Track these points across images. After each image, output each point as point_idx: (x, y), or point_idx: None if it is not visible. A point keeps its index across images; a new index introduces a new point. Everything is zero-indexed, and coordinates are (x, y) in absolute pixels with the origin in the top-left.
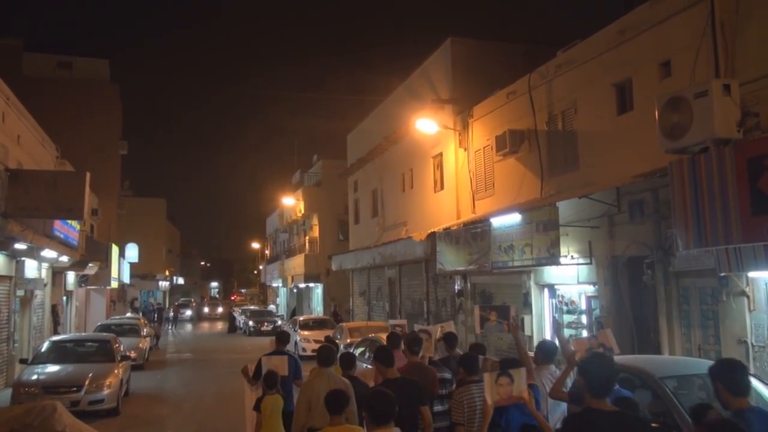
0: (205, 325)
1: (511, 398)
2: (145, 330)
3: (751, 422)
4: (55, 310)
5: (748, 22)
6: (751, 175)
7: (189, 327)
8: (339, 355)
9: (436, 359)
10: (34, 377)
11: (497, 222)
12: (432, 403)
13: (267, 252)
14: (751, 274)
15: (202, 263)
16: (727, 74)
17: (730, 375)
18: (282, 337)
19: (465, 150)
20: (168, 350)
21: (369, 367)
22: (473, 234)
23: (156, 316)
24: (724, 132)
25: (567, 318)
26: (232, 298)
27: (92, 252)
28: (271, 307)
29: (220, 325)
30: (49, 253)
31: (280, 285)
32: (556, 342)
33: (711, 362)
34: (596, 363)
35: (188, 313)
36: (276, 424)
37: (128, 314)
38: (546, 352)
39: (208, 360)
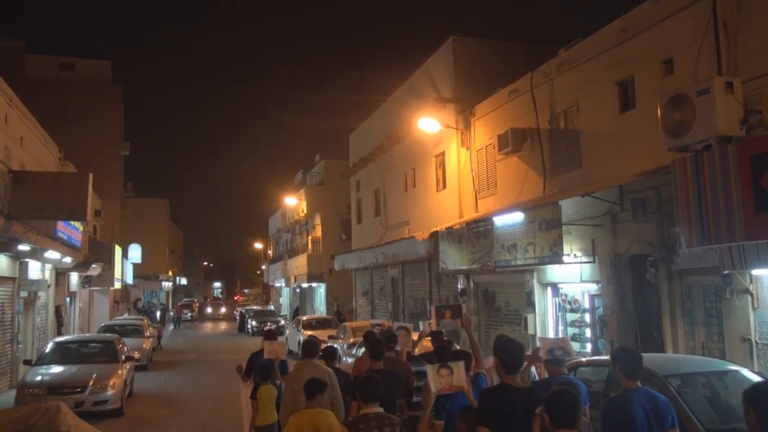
0: (209, 326)
1: (452, 387)
2: (148, 331)
3: (635, 399)
4: (58, 311)
5: (751, 20)
6: (754, 172)
7: (192, 327)
8: (325, 349)
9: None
10: (39, 378)
11: (500, 221)
12: (412, 395)
13: (270, 252)
14: (755, 272)
15: (205, 263)
16: (730, 72)
17: (628, 360)
18: (270, 335)
19: (467, 149)
20: (171, 351)
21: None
22: (476, 233)
23: (159, 316)
24: (726, 129)
25: (570, 316)
26: (235, 298)
27: (95, 253)
28: (270, 306)
29: (223, 326)
30: (52, 255)
31: (283, 285)
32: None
33: (715, 360)
34: (510, 346)
35: (191, 313)
36: (270, 410)
37: (125, 315)
38: None
39: (211, 361)
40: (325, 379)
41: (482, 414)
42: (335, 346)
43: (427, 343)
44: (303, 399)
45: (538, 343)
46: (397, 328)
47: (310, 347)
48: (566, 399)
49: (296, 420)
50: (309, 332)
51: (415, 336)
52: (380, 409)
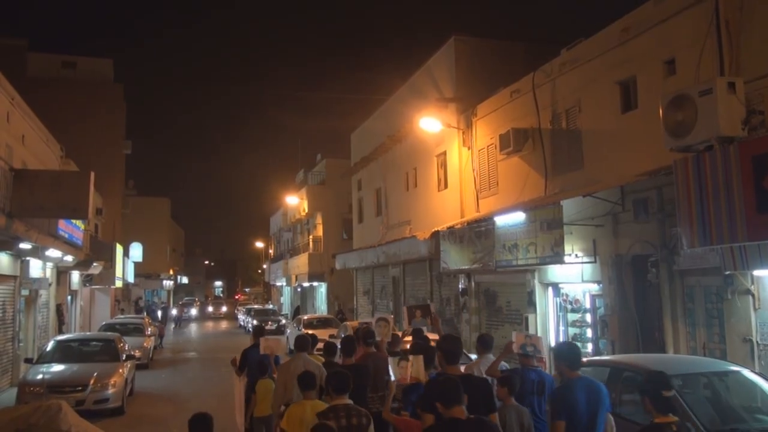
0: (210, 324)
1: (411, 378)
2: (149, 329)
3: (577, 387)
4: (59, 310)
5: (753, 20)
6: (756, 173)
7: (193, 326)
8: (325, 344)
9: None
10: (39, 377)
11: (501, 221)
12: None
13: (271, 251)
14: (757, 273)
15: (206, 262)
16: (732, 72)
17: (570, 355)
18: (258, 331)
19: (469, 149)
20: (173, 349)
21: None
22: (477, 233)
23: (161, 315)
24: (728, 130)
25: (571, 317)
26: (236, 297)
27: (97, 251)
28: (271, 306)
29: (224, 324)
30: (53, 253)
31: (284, 284)
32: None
33: (717, 361)
34: (448, 341)
35: (193, 312)
36: (268, 403)
37: (120, 316)
38: (485, 344)
39: (212, 359)
40: (316, 371)
41: (425, 402)
42: (335, 342)
43: (408, 339)
44: (295, 390)
45: (513, 338)
46: (377, 319)
47: (301, 342)
48: (450, 385)
49: (298, 409)
50: (310, 331)
51: (396, 330)
52: (349, 401)
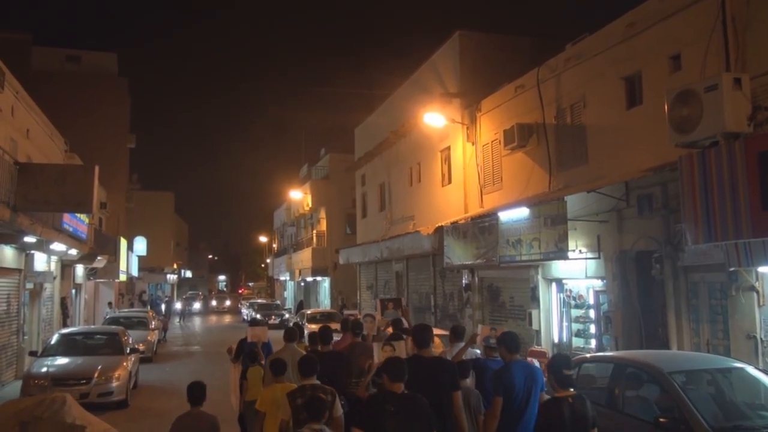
0: (213, 318)
1: None
2: (153, 323)
3: (515, 368)
4: (64, 303)
5: (759, 16)
6: (761, 169)
7: (197, 320)
8: (309, 335)
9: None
10: (44, 370)
11: (505, 216)
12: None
13: (274, 245)
14: (761, 269)
15: (210, 256)
16: (738, 68)
17: (511, 341)
18: (254, 323)
19: (473, 144)
20: (176, 343)
21: None
22: (481, 228)
23: (164, 309)
24: (734, 126)
25: (575, 312)
26: (240, 291)
27: (101, 245)
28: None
29: (227, 318)
30: (58, 246)
31: (288, 278)
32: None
33: (720, 357)
34: (419, 329)
35: (196, 306)
36: (258, 389)
37: (111, 314)
38: (456, 333)
39: (216, 353)
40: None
41: (393, 375)
42: (329, 327)
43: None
44: (285, 377)
45: (479, 331)
46: (364, 315)
47: (290, 333)
48: (397, 364)
49: (269, 392)
50: (314, 326)
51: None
52: (316, 382)
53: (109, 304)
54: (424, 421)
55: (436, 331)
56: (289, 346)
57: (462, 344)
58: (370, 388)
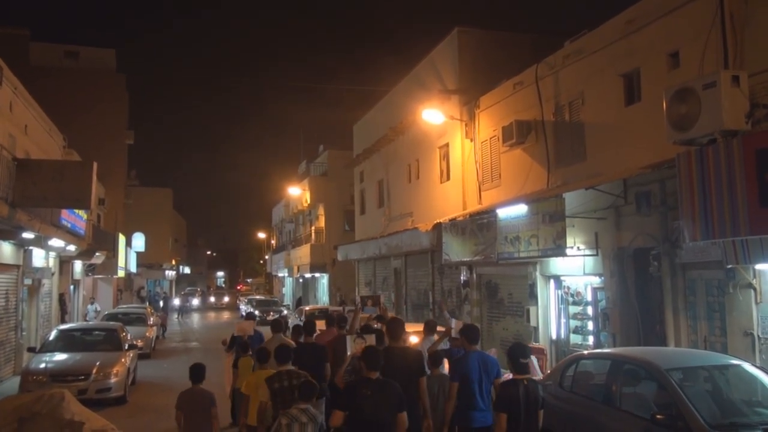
0: (212, 315)
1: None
2: (151, 319)
3: (472, 357)
4: (62, 299)
5: (758, 13)
6: (759, 166)
7: (196, 316)
8: (294, 326)
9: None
10: (42, 366)
11: (503, 213)
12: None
13: (273, 242)
14: (758, 267)
15: (208, 253)
16: (736, 65)
17: (470, 332)
18: (249, 316)
19: (471, 141)
20: (175, 339)
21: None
22: (479, 225)
23: (162, 305)
24: (732, 123)
25: (573, 309)
26: (238, 287)
27: (99, 241)
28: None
29: (226, 315)
30: (56, 243)
31: (286, 275)
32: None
33: (718, 354)
34: (393, 324)
35: (195, 302)
36: (247, 376)
37: (93, 311)
38: (429, 327)
39: (214, 350)
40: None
41: (370, 364)
42: (313, 321)
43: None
44: (272, 365)
45: (452, 324)
46: (348, 311)
47: (277, 324)
48: (373, 354)
49: (253, 377)
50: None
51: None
52: (292, 368)
53: (92, 300)
54: (395, 402)
55: (438, 328)
56: (276, 337)
57: (433, 337)
58: (346, 377)
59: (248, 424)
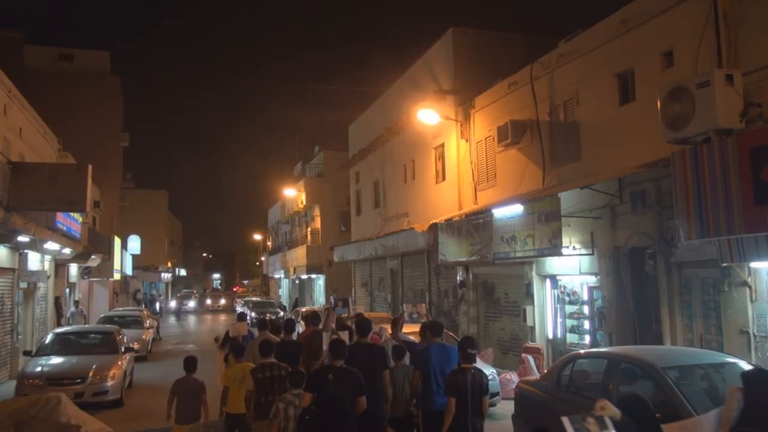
0: (208, 317)
1: None
2: (148, 321)
3: (433, 349)
4: (58, 302)
5: (751, 12)
6: (753, 165)
7: (192, 318)
8: (284, 323)
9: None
10: (38, 369)
11: (499, 213)
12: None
13: (269, 243)
14: (753, 265)
15: (204, 255)
16: (730, 64)
17: (434, 327)
18: (241, 317)
19: (467, 141)
20: (171, 341)
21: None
22: (475, 225)
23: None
24: (726, 122)
25: (569, 308)
26: (235, 289)
27: (95, 244)
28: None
29: (222, 317)
30: (51, 246)
31: (283, 276)
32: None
33: (713, 352)
34: (362, 322)
35: (191, 304)
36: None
37: (76, 313)
38: (398, 324)
39: (210, 351)
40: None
41: (335, 353)
42: (294, 319)
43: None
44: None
45: (403, 309)
46: (323, 309)
47: (261, 323)
48: (339, 345)
49: (231, 371)
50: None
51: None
52: (273, 360)
53: (76, 303)
54: (354, 386)
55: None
56: (263, 334)
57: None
58: None
59: (227, 412)
